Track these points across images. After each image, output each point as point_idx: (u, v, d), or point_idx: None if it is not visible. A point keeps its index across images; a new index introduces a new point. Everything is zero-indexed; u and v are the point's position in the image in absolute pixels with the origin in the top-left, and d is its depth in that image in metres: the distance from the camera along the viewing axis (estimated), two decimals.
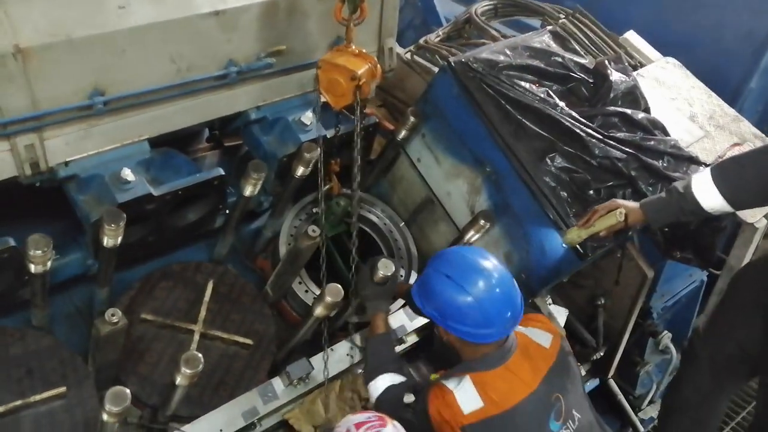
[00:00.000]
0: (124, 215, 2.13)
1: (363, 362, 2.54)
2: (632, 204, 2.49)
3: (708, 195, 2.35)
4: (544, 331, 2.37)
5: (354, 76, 2.40)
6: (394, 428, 1.93)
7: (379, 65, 2.53)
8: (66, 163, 2.30)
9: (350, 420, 1.95)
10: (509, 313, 2.17)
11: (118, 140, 2.38)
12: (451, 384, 2.20)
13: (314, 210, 2.95)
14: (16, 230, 2.26)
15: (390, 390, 2.34)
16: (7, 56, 1.99)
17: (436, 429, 2.20)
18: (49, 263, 2.09)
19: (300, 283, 2.79)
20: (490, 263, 2.21)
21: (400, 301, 2.81)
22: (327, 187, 2.86)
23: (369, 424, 1.91)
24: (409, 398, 2.29)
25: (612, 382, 3.30)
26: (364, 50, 2.51)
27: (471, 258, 2.23)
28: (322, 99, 2.54)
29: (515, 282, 2.24)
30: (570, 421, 2.26)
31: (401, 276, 2.94)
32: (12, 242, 2.19)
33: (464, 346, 2.23)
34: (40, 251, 2.02)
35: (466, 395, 2.16)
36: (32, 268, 2.09)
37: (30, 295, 2.31)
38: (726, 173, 2.36)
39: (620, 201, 2.52)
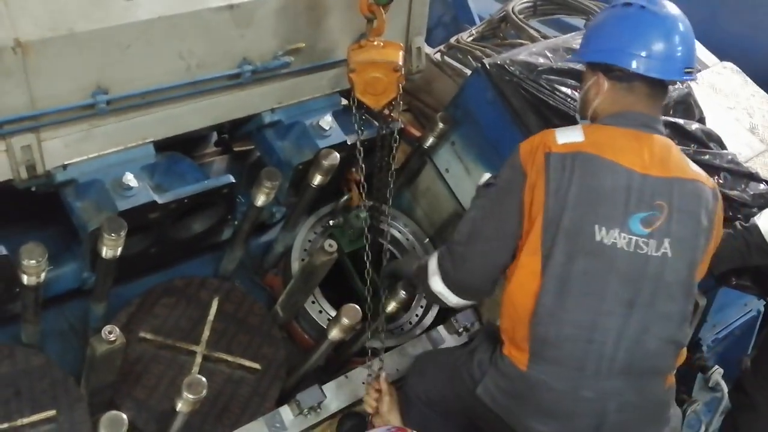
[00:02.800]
0: (125, 224, 2.12)
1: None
2: None
3: None
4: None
5: (396, 67, 2.41)
6: None
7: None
8: (64, 167, 2.29)
9: None
10: (684, 47, 2.06)
11: (120, 143, 2.38)
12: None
13: (331, 223, 2.94)
14: (5, 237, 2.27)
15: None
16: (6, 50, 1.98)
17: (522, 170, 2.05)
18: (43, 275, 2.09)
19: (313, 302, 2.78)
20: None
21: None
22: (345, 198, 2.88)
23: None
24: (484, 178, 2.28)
25: None
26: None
27: None
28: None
29: None
30: (658, 243, 1.97)
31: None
32: (3, 250, 2.19)
33: (612, 94, 2.11)
34: (34, 261, 2.01)
35: (567, 132, 2.07)
36: (25, 279, 2.08)
37: (20, 309, 2.31)
38: None
39: None
